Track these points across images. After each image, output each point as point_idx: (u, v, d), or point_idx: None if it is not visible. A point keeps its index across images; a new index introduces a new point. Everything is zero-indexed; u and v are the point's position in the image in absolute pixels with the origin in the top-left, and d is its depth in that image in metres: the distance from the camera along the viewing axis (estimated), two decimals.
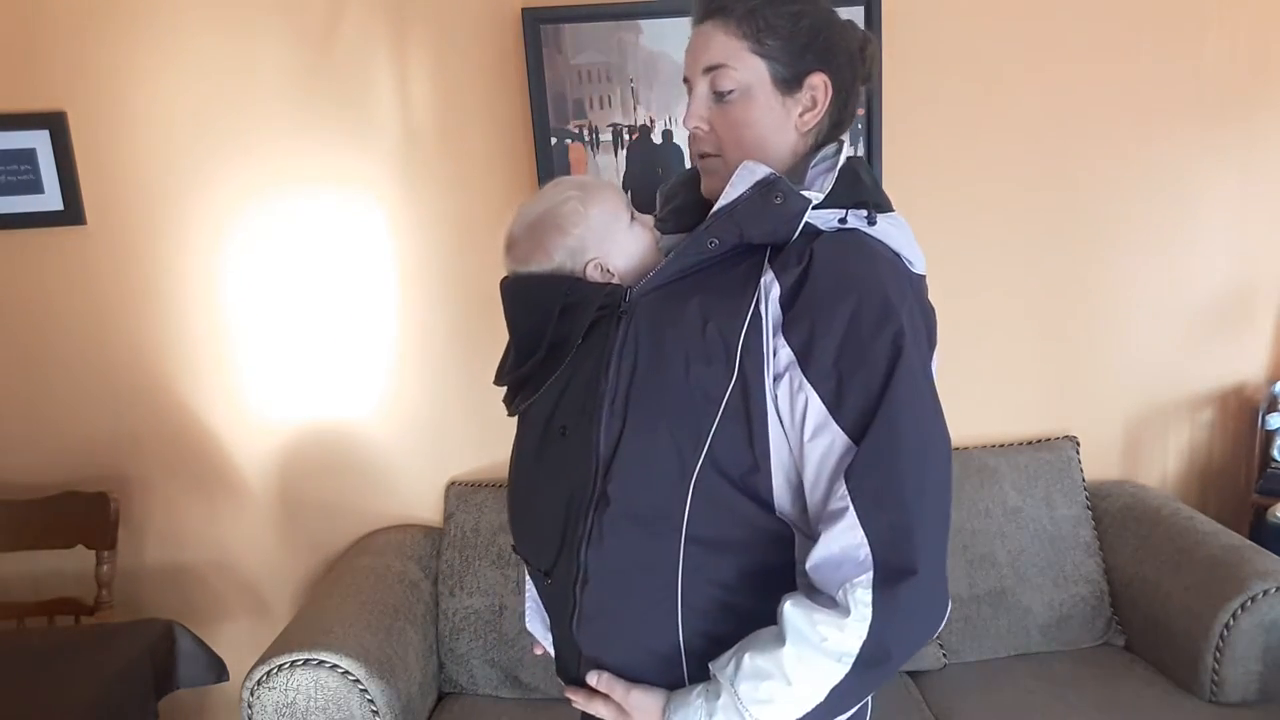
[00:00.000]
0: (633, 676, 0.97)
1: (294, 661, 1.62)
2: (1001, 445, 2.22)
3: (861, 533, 0.85)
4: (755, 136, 0.98)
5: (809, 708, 0.87)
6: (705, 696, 0.91)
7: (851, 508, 0.85)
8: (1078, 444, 2.20)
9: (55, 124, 1.96)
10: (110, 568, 2.00)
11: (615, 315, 0.97)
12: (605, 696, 0.98)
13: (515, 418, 1.08)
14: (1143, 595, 2.00)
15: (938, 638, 2.03)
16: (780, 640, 0.87)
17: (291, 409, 2.14)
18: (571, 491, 0.96)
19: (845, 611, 0.85)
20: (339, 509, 2.18)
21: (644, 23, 1.97)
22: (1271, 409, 2.17)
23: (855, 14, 2.00)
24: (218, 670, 1.83)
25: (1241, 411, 2.30)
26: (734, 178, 0.94)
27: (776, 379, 0.90)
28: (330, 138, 2.02)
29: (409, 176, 2.05)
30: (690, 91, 1.01)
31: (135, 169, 2.01)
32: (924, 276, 1.03)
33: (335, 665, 1.63)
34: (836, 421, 0.87)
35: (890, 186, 2.22)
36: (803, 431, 0.89)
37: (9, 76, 1.95)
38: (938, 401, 0.93)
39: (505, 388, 1.08)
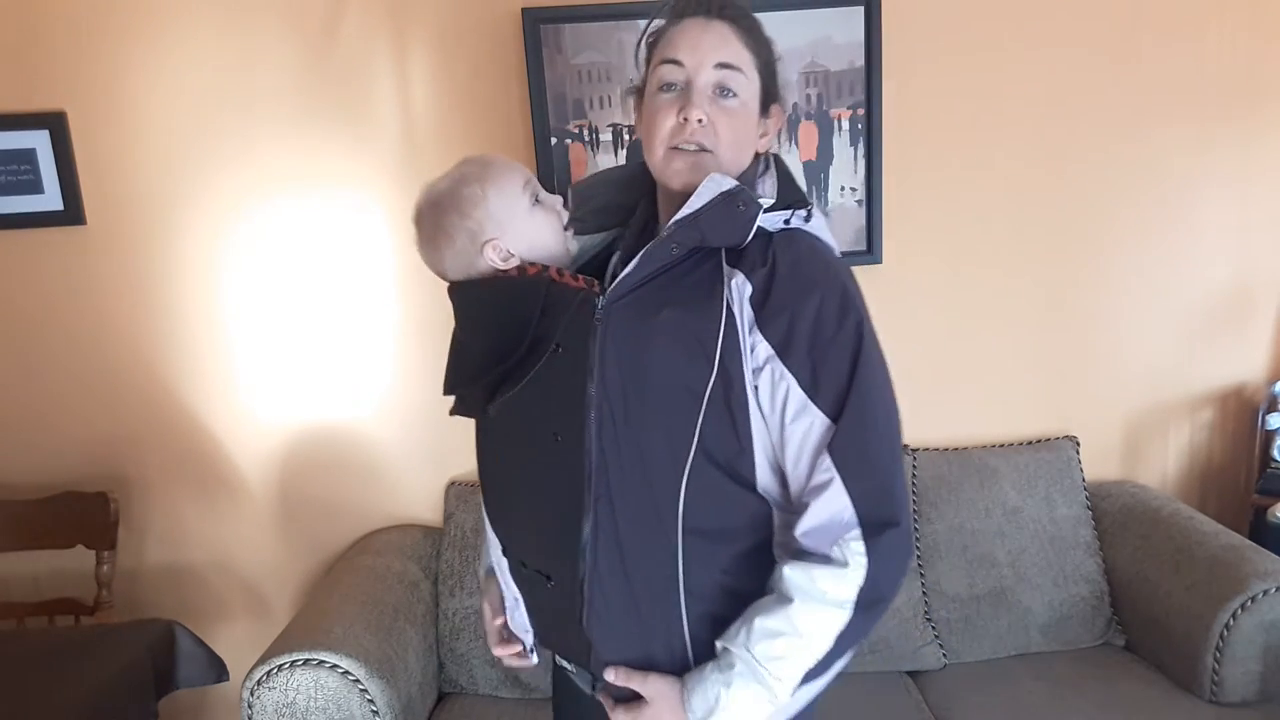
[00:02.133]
0: (643, 664, 1.03)
1: (294, 661, 1.62)
2: (1001, 445, 2.22)
3: (847, 498, 0.95)
4: (742, 146, 1.06)
5: (820, 655, 0.96)
6: (718, 669, 0.98)
7: (837, 477, 0.95)
8: (1078, 444, 2.21)
9: (55, 124, 1.96)
10: (110, 568, 2.00)
11: (591, 324, 1.01)
12: (624, 703, 1.04)
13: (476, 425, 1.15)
14: (1143, 595, 2.00)
15: (938, 637, 2.03)
16: (786, 600, 0.96)
17: (292, 409, 2.14)
18: (570, 495, 1.01)
19: (843, 564, 0.95)
20: (339, 509, 2.18)
21: (644, 23, 1.96)
22: (1271, 409, 2.17)
23: (855, 14, 2.01)
24: (218, 670, 1.83)
25: (1241, 411, 2.30)
26: (700, 189, 0.99)
27: (756, 372, 0.98)
28: (330, 138, 2.02)
29: (408, 176, 2.05)
30: (688, 81, 1.02)
31: (135, 169, 2.01)
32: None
33: (335, 665, 1.63)
34: (815, 404, 0.96)
35: (891, 187, 2.24)
36: (784, 416, 0.98)
37: (9, 76, 1.95)
38: (890, 375, 1.03)
39: (457, 395, 1.12)
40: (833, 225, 2.10)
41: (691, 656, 1.02)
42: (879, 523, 0.95)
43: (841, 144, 2.08)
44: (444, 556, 2.07)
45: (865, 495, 0.95)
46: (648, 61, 1.10)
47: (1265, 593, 1.77)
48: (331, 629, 1.70)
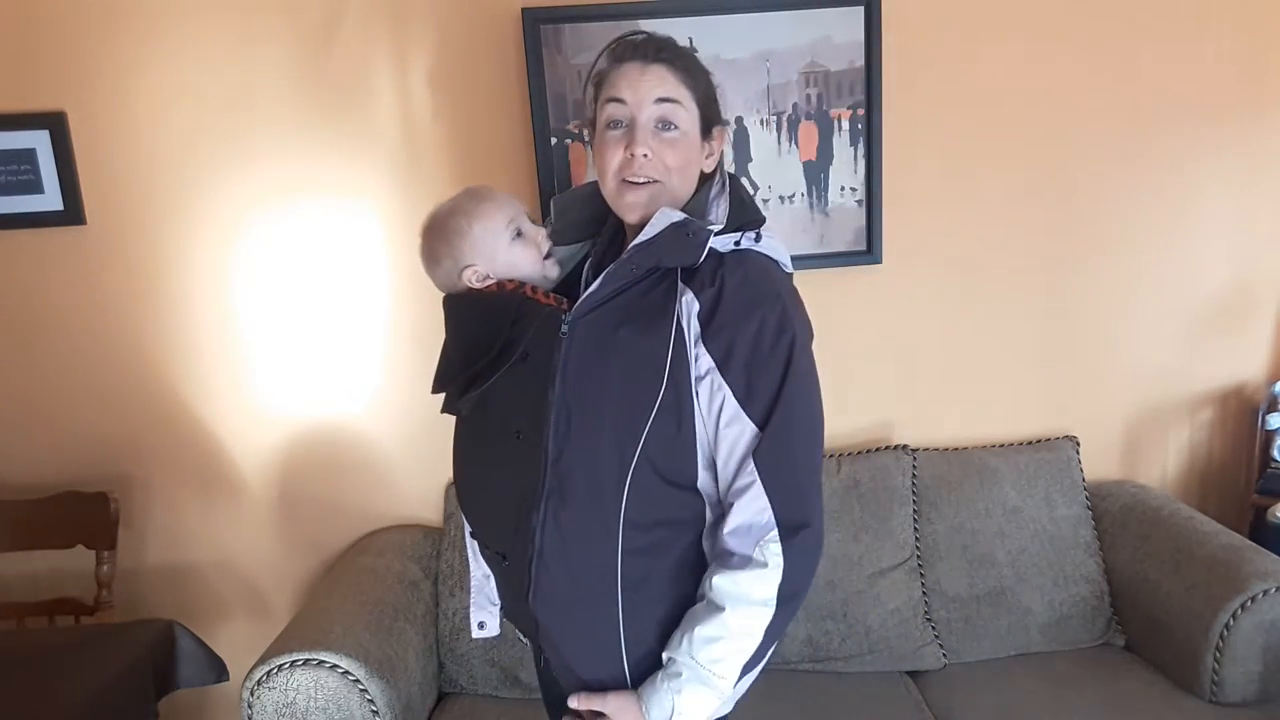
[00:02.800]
0: (580, 640, 1.15)
1: (294, 661, 1.62)
2: (1001, 445, 2.22)
3: (766, 500, 1.07)
4: (688, 171, 1.18)
5: (753, 650, 1.08)
6: (668, 678, 1.09)
7: (758, 481, 1.07)
8: (1078, 444, 2.21)
9: (55, 124, 1.96)
10: (110, 568, 2.00)
11: (557, 335, 1.12)
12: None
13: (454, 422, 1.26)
14: (1143, 595, 2.00)
15: (938, 637, 2.04)
16: (718, 608, 1.07)
17: (292, 409, 2.14)
18: (526, 486, 1.13)
19: (764, 564, 1.06)
20: (339, 509, 2.18)
21: (644, 23, 1.97)
22: (1271, 409, 2.17)
23: (855, 15, 2.01)
24: (218, 670, 1.83)
25: (1241, 411, 2.30)
26: (653, 220, 1.12)
27: (698, 380, 1.10)
28: (330, 138, 2.02)
29: (408, 176, 2.05)
30: (632, 119, 1.15)
31: (135, 169, 2.01)
32: (792, 274, 1.22)
33: (335, 665, 1.63)
34: (746, 413, 1.08)
35: (890, 188, 2.24)
36: (718, 421, 1.10)
37: (9, 76, 1.95)
38: (819, 388, 1.15)
39: (444, 394, 1.23)
40: (832, 225, 2.11)
41: (624, 635, 1.13)
42: (793, 524, 1.07)
43: (841, 144, 2.08)
44: (444, 556, 2.07)
45: (782, 499, 1.07)
46: (595, 99, 1.22)
47: (1265, 593, 1.77)
48: (331, 629, 1.70)
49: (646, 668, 1.14)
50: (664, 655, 1.11)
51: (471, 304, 1.22)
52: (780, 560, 1.06)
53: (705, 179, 1.22)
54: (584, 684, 1.16)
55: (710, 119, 1.21)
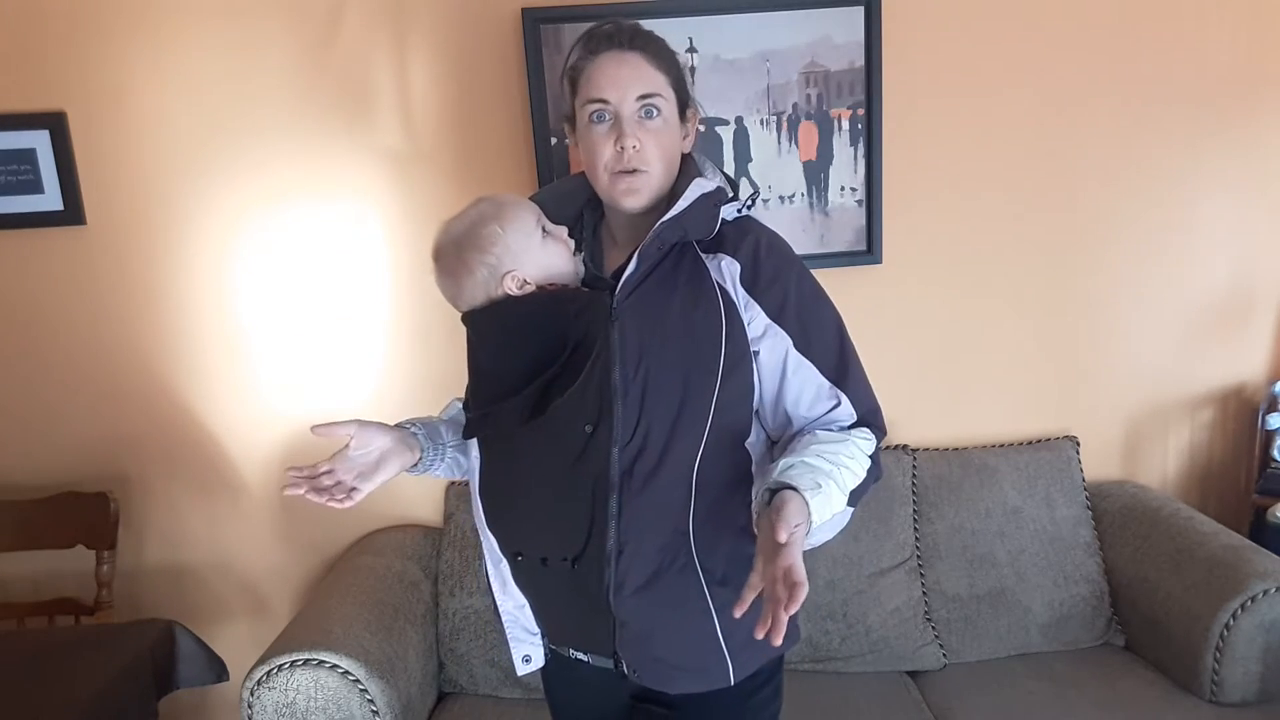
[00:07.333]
0: (670, 621, 1.16)
1: (294, 661, 1.62)
2: (1001, 445, 2.22)
3: (855, 415, 1.18)
4: (672, 152, 1.21)
5: (858, 481, 1.13)
6: (806, 471, 1.08)
7: (845, 402, 1.18)
8: (1078, 444, 2.21)
9: (55, 124, 1.96)
10: (110, 568, 2.00)
11: (609, 320, 1.12)
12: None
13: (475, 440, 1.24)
14: (1143, 595, 2.00)
15: (938, 637, 2.04)
16: (835, 438, 1.14)
17: (292, 409, 2.14)
18: (599, 478, 1.13)
19: (861, 435, 1.17)
20: (339, 509, 2.17)
21: (644, 23, 1.96)
22: (1271, 409, 2.17)
23: (855, 15, 2.01)
24: (218, 670, 1.84)
25: (1241, 411, 2.30)
26: (687, 192, 1.16)
27: (757, 339, 1.16)
28: (329, 139, 2.02)
29: (408, 176, 2.05)
30: (617, 113, 1.17)
31: (135, 169, 2.01)
32: None
33: (335, 665, 1.63)
34: (808, 357, 1.17)
35: (890, 187, 2.24)
36: (784, 370, 1.17)
37: (9, 76, 1.95)
38: None
39: (484, 414, 1.20)
40: (832, 225, 2.11)
41: (711, 601, 1.16)
42: (874, 426, 1.20)
43: (841, 144, 2.08)
44: (444, 556, 2.07)
45: (863, 411, 1.19)
46: (572, 93, 1.22)
47: (1265, 593, 1.77)
48: (331, 629, 1.70)
49: (737, 634, 1.16)
50: (784, 461, 1.09)
51: (522, 310, 1.18)
52: (876, 439, 1.18)
53: (684, 159, 1.25)
54: (680, 670, 1.18)
55: (684, 101, 1.24)
